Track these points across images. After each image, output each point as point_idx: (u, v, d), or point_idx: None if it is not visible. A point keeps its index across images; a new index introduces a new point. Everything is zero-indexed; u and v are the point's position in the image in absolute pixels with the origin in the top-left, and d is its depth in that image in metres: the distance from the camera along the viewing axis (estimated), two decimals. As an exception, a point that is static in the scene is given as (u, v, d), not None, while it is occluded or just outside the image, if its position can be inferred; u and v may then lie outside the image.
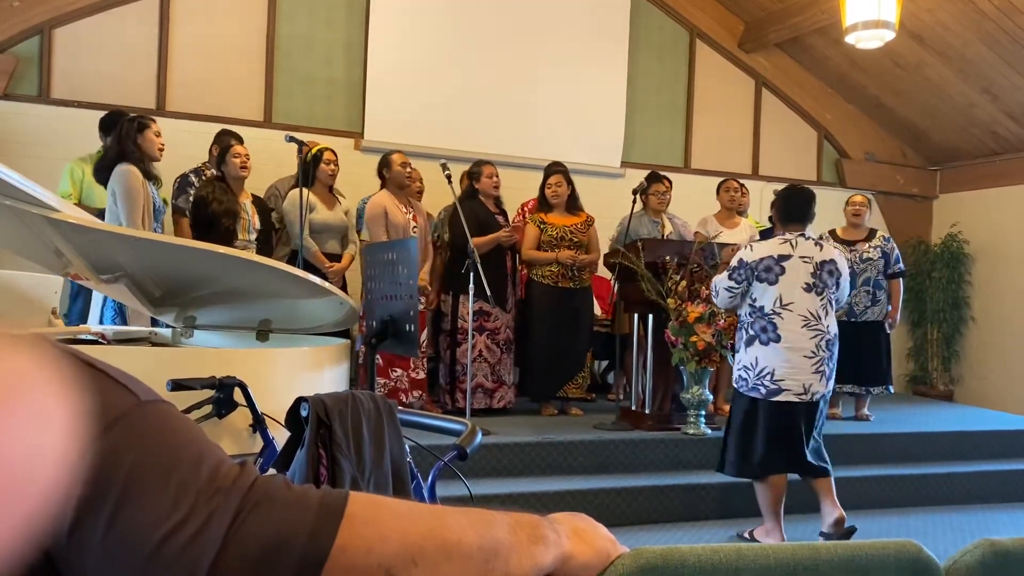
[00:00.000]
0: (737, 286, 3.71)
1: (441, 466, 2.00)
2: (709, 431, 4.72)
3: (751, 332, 3.69)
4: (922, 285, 7.96)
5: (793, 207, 3.80)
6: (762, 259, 3.65)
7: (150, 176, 4.17)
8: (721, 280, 3.79)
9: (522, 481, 4.22)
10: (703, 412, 4.74)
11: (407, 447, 1.96)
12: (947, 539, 4.19)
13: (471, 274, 4.70)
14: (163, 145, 4.22)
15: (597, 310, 5.92)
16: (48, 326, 3.38)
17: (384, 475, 1.82)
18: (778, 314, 3.61)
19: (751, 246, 3.76)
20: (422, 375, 5.05)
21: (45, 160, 5.23)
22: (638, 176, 6.01)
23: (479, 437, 1.96)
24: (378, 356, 4.73)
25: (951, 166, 8.10)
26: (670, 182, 5.75)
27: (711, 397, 4.85)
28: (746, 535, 3.99)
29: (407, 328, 2.96)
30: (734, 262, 3.73)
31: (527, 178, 6.11)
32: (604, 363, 6.74)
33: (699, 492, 4.36)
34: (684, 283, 4.58)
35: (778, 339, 3.60)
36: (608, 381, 6.61)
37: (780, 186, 5.91)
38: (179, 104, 6.00)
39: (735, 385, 3.79)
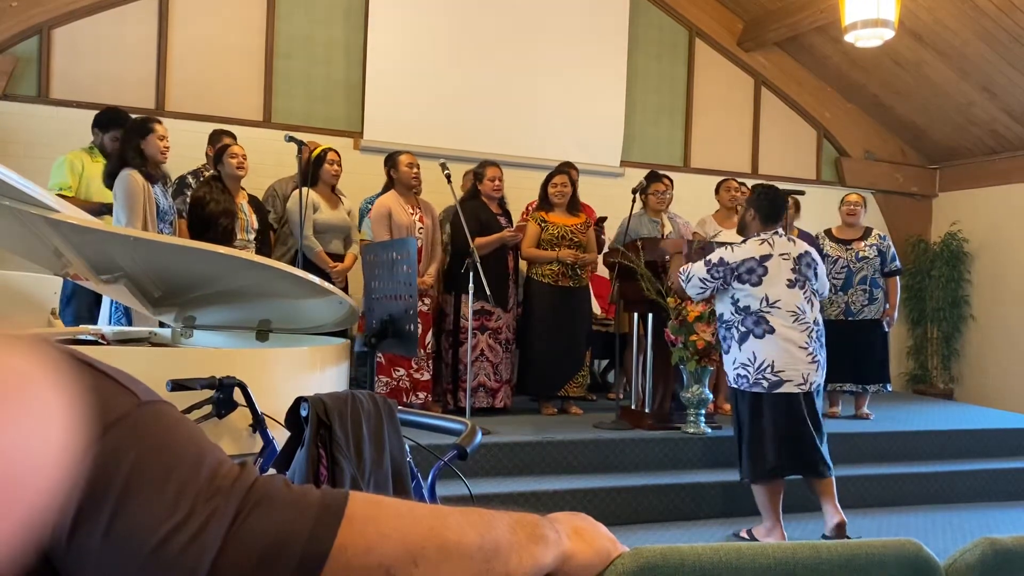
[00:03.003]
0: (712, 282, 3.74)
1: (441, 466, 2.01)
2: (709, 430, 4.72)
3: (743, 328, 3.69)
4: (922, 284, 7.96)
5: (777, 207, 3.83)
6: (744, 261, 3.68)
7: (154, 179, 4.17)
8: (699, 270, 3.79)
9: (522, 480, 4.22)
10: (703, 411, 4.74)
11: (407, 447, 1.97)
12: (947, 538, 4.19)
13: (471, 274, 4.70)
14: (167, 148, 4.22)
15: (597, 309, 5.92)
16: (48, 326, 3.38)
17: (384, 475, 1.82)
18: (767, 312, 3.65)
19: (732, 247, 3.78)
20: (427, 376, 5.04)
21: (44, 160, 5.22)
22: (638, 175, 6.01)
23: (479, 437, 1.96)
24: (380, 356, 4.76)
25: (951, 164, 8.10)
26: (670, 181, 5.75)
27: (711, 396, 4.85)
28: (743, 534, 3.99)
29: (407, 328, 2.96)
30: (714, 259, 3.75)
31: (526, 177, 6.12)
32: (604, 362, 6.74)
33: (699, 491, 4.36)
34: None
35: (772, 331, 3.63)
36: (608, 380, 6.61)
37: (779, 185, 5.93)
38: (178, 104, 6.00)
39: (735, 385, 3.77)
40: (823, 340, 3.76)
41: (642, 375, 4.97)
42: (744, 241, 3.81)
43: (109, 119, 4.67)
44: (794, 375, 3.61)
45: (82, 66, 5.78)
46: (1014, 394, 7.22)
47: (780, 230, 3.80)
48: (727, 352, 3.80)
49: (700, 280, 3.77)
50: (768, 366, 3.62)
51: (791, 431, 3.64)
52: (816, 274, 3.77)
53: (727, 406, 5.59)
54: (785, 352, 3.61)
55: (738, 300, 3.70)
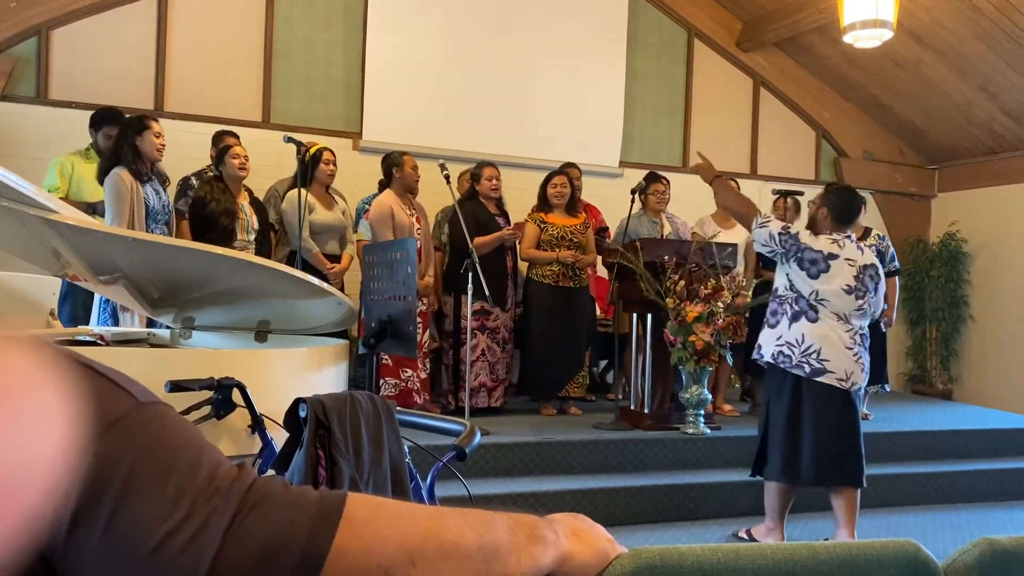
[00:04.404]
0: (777, 247, 3.61)
1: (440, 466, 2.00)
2: (708, 430, 4.72)
3: (797, 308, 3.59)
4: (921, 284, 7.96)
5: (851, 209, 3.74)
6: (813, 247, 3.59)
7: (147, 177, 4.16)
8: (774, 227, 3.63)
9: (521, 481, 4.22)
10: (702, 411, 4.74)
11: (406, 448, 1.96)
12: (946, 538, 4.19)
13: (470, 274, 4.70)
14: (163, 145, 4.21)
15: (596, 309, 5.92)
16: (46, 327, 3.38)
17: (383, 476, 1.82)
18: (813, 307, 3.57)
19: (812, 232, 3.69)
20: (424, 375, 5.05)
21: (43, 161, 5.21)
22: (637, 176, 6.02)
23: (478, 437, 1.96)
24: (388, 357, 4.75)
25: (949, 165, 8.10)
26: (668, 181, 5.75)
27: (710, 396, 4.85)
28: (742, 535, 3.98)
29: (407, 328, 2.95)
30: (793, 230, 3.64)
31: (525, 178, 6.11)
32: (604, 362, 6.74)
33: (698, 492, 4.36)
34: (683, 283, 4.58)
35: (820, 322, 3.56)
36: (607, 380, 6.61)
37: (779, 185, 5.95)
38: (177, 105, 6.00)
39: (772, 361, 3.61)
40: (867, 345, 3.66)
41: (641, 375, 4.97)
42: (818, 235, 3.69)
43: (100, 117, 4.69)
44: (837, 368, 3.52)
45: (81, 67, 5.78)
46: (1013, 394, 7.23)
47: (852, 234, 3.71)
48: (774, 327, 3.66)
49: (770, 236, 3.63)
50: (815, 351, 3.52)
51: (831, 432, 3.53)
52: (876, 288, 3.65)
53: (726, 407, 5.60)
54: (832, 345, 3.53)
55: (792, 281, 3.61)
